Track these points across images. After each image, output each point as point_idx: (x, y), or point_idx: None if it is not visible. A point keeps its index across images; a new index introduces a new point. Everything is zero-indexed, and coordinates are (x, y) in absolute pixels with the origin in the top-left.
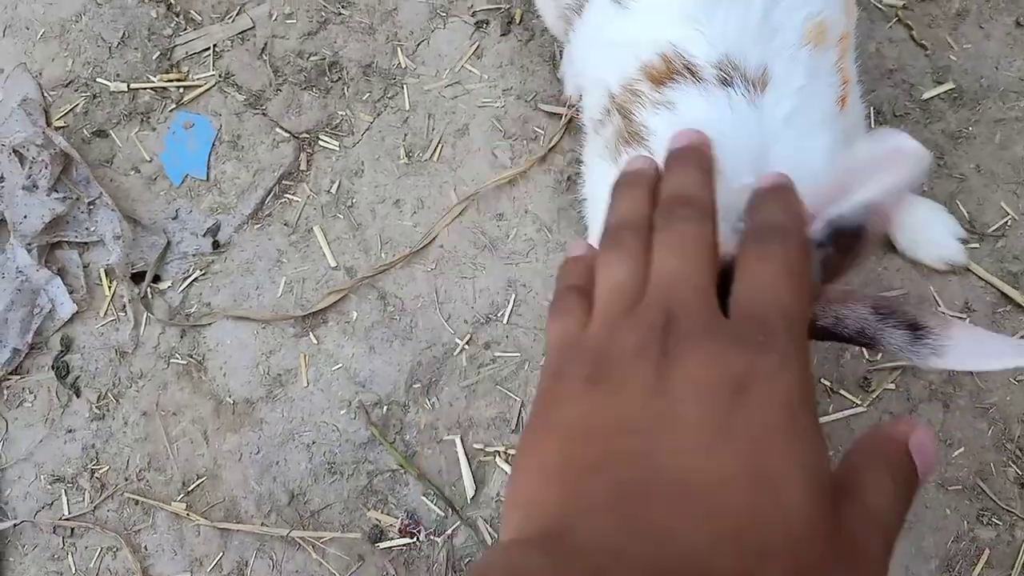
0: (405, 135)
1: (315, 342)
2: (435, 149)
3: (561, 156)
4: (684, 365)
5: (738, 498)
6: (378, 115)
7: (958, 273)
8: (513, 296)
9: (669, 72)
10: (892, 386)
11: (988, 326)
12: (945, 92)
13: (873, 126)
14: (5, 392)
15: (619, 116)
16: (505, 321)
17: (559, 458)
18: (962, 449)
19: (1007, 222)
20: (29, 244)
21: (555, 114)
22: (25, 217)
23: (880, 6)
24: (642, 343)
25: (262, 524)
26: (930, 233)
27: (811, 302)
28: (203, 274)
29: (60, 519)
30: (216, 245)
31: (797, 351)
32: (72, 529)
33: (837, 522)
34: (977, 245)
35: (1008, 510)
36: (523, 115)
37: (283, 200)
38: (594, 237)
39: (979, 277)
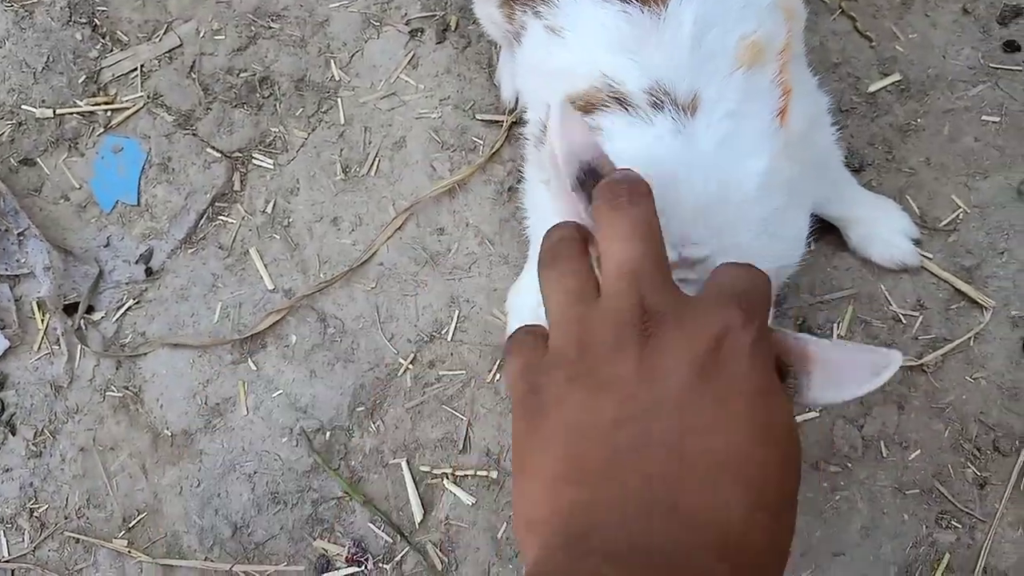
0: (341, 150)
1: (254, 368)
2: (372, 163)
3: (501, 166)
4: (666, 345)
5: (755, 465)
6: (312, 130)
7: (910, 272)
8: (457, 312)
9: (596, 102)
10: None
11: (942, 323)
12: (892, 84)
13: None
14: None
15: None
16: (449, 338)
17: (564, 465)
18: (919, 451)
19: (958, 215)
20: None
21: (494, 122)
22: None
23: None
24: (618, 332)
25: (205, 559)
26: (882, 231)
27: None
28: (137, 303)
29: (0, 561)
30: (149, 272)
31: (763, 319)
32: (12, 572)
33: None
34: (928, 236)
35: (968, 512)
36: (461, 125)
37: (217, 222)
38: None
39: (932, 274)
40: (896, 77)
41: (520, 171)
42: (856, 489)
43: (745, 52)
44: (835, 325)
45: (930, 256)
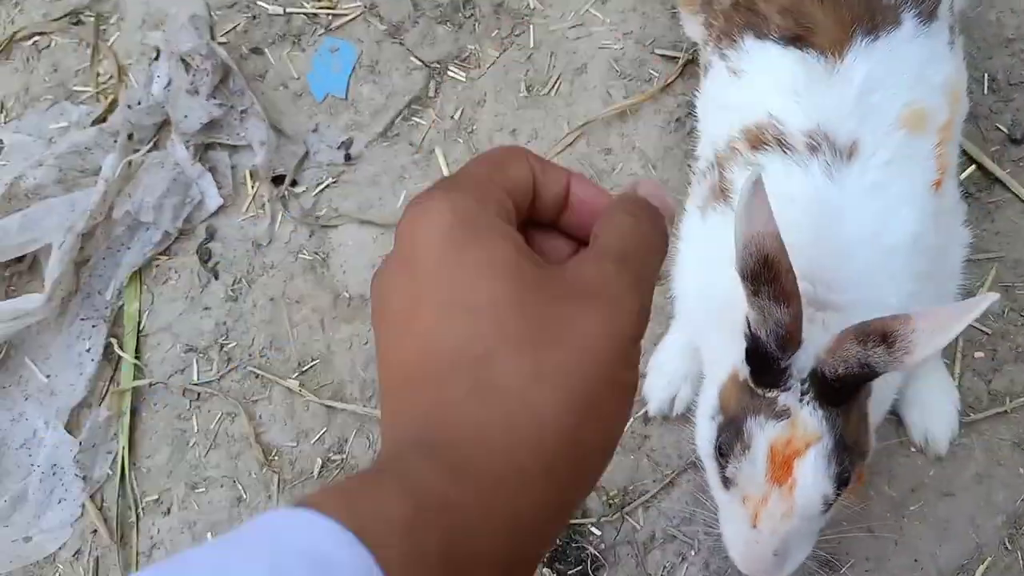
0: (527, 71)
1: None
2: (554, 85)
3: (673, 98)
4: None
5: (563, 373)
6: (504, 51)
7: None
8: None
9: (761, 139)
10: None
11: None
12: None
13: (986, 92)
14: (154, 270)
15: (717, 171)
16: None
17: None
18: None
19: None
20: (187, 141)
21: (671, 58)
22: (185, 117)
23: None
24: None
25: (364, 406)
26: (933, 405)
27: None
28: (334, 182)
29: (190, 384)
30: (348, 158)
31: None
32: (199, 394)
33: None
34: None
35: None
36: (640, 58)
37: (411, 123)
38: (677, 282)
39: None
40: None
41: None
42: (975, 438)
43: (909, 117)
44: (977, 286)
45: None
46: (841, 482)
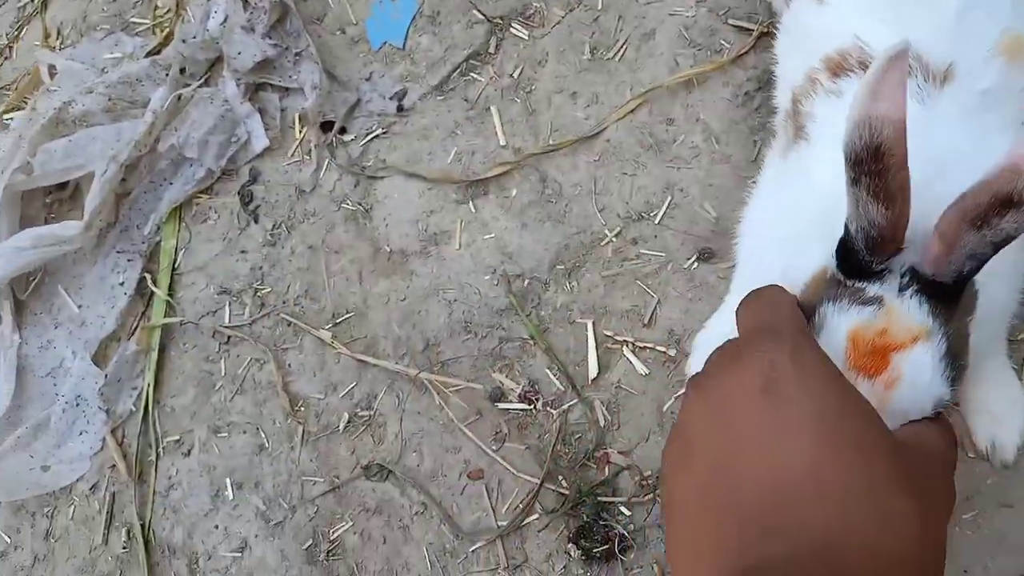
0: (592, 33)
1: (473, 210)
2: (619, 50)
3: (743, 71)
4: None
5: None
6: (571, 11)
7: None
8: (669, 199)
9: (845, 65)
10: None
11: None
12: None
13: None
14: (194, 208)
15: (791, 120)
16: (657, 221)
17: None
18: None
19: None
20: (238, 79)
21: (745, 29)
22: (239, 54)
23: None
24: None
25: (396, 363)
26: (1000, 409)
27: None
28: (384, 133)
29: (220, 326)
30: (400, 109)
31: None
32: (229, 337)
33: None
34: None
35: None
36: (712, 27)
37: (468, 78)
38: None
39: None
40: None
41: (760, 79)
42: None
43: (1008, 44)
44: None
45: None
46: (952, 383)
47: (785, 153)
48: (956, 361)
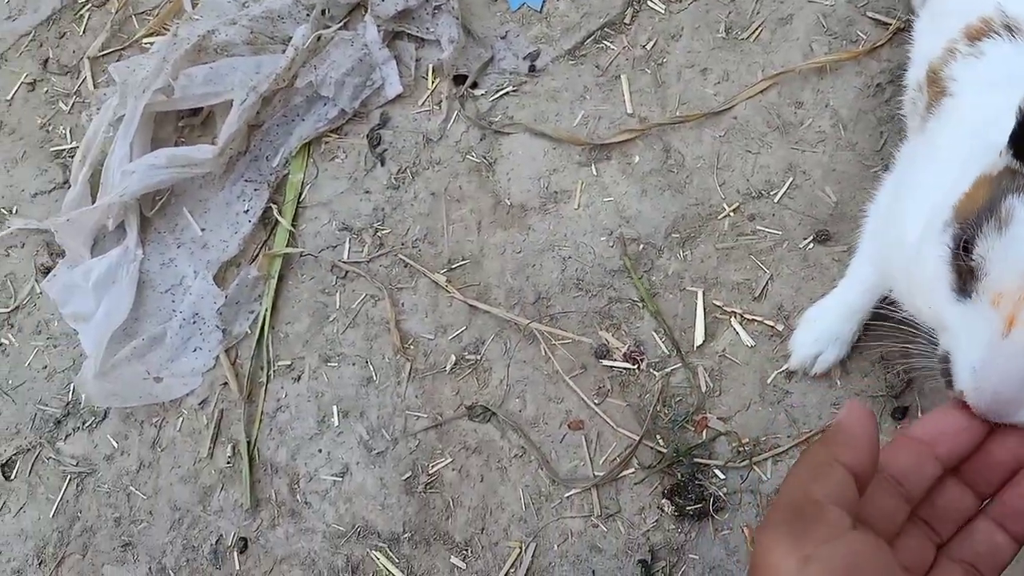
0: (729, 12)
1: (595, 173)
2: (755, 31)
3: (877, 63)
4: None
5: None
6: None
7: None
8: (791, 180)
9: (987, 29)
10: None
11: None
12: None
13: None
14: (323, 145)
15: (927, 87)
16: (776, 200)
17: None
18: None
19: None
20: (379, 25)
21: (882, 23)
22: (383, 1)
23: None
24: None
25: (507, 311)
26: None
27: None
28: (514, 90)
29: (339, 261)
30: (532, 69)
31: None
32: (346, 272)
33: None
34: None
35: None
36: (850, 17)
37: (601, 45)
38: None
39: None
40: None
41: (894, 72)
42: None
43: None
44: None
45: None
46: None
47: (923, 126)
48: None
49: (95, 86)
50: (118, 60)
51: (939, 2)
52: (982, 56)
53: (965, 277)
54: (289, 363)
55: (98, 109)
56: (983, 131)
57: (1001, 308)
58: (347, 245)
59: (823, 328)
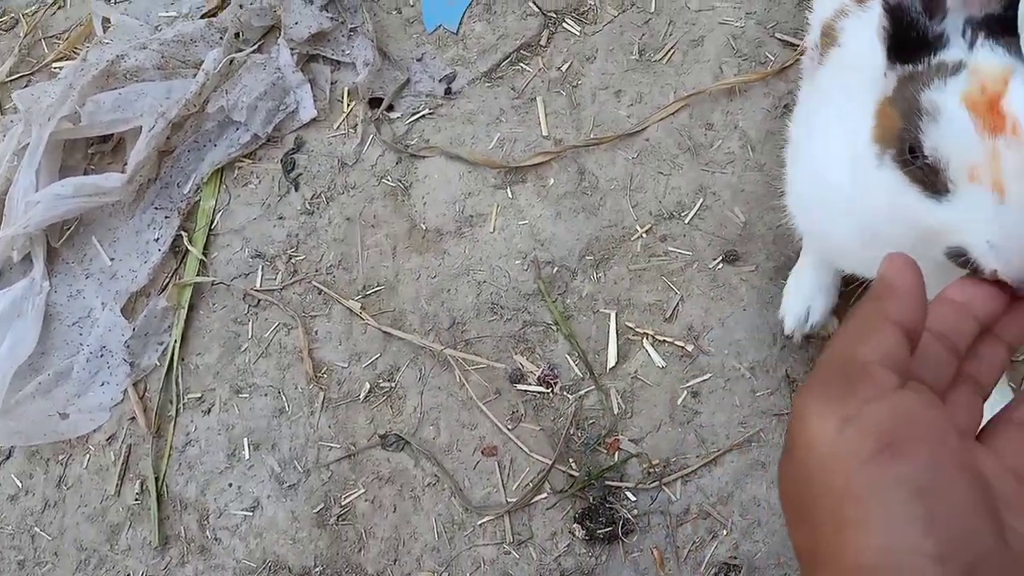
0: (643, 35)
1: (510, 196)
2: (667, 53)
3: (785, 84)
4: None
5: None
6: (624, 11)
7: None
8: (701, 201)
9: None
10: None
11: None
12: None
13: None
14: (236, 171)
15: (820, 46)
16: (687, 221)
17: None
18: None
19: None
20: (293, 48)
21: (790, 44)
22: (296, 23)
23: None
24: None
25: (422, 338)
26: None
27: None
28: (430, 113)
29: (252, 289)
30: (448, 92)
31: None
32: (259, 300)
33: None
34: None
35: None
36: (759, 39)
37: (517, 67)
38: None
39: None
40: None
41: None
42: None
43: None
44: None
45: None
46: None
47: (813, 75)
48: None
49: (2, 113)
50: (26, 86)
51: None
52: (868, 11)
53: (930, 178)
54: (199, 395)
55: (2, 138)
56: (869, 64)
57: (983, 179)
58: (260, 273)
59: (805, 283)
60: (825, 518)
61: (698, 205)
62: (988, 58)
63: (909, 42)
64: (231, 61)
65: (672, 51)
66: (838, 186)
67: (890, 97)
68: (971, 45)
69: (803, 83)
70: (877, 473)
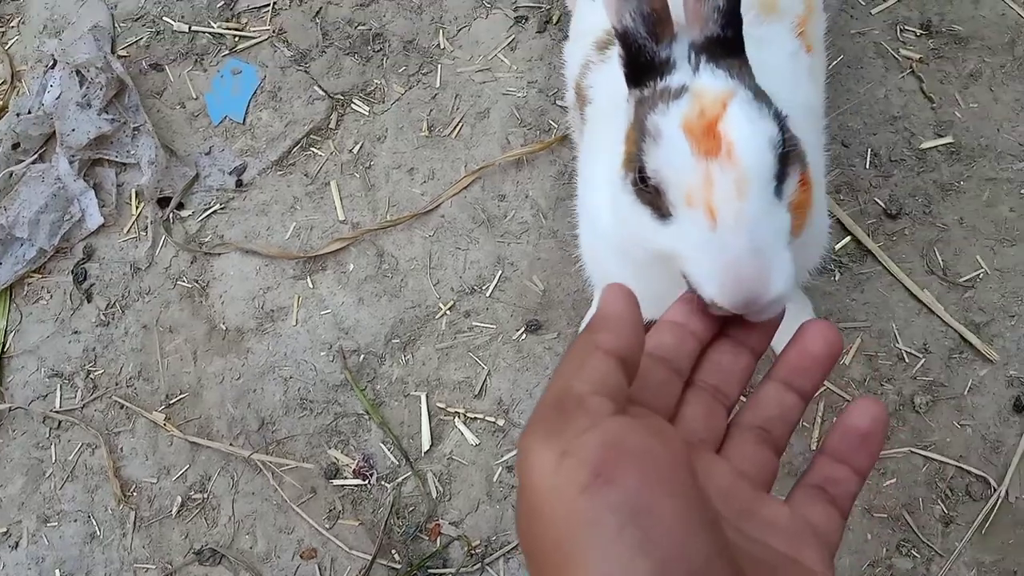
0: (431, 110)
1: (311, 286)
2: (456, 127)
3: (569, 150)
4: None
5: None
6: (410, 88)
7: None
8: (500, 272)
9: (610, 40)
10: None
11: (942, 369)
12: (943, 145)
13: (868, 167)
14: (25, 288)
15: (578, 103)
16: (488, 294)
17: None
18: (894, 480)
19: (979, 275)
20: (72, 156)
21: None
22: (73, 130)
23: (896, 56)
24: None
25: (230, 444)
26: None
27: None
28: (222, 208)
29: (51, 411)
30: (239, 184)
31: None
32: (60, 422)
33: None
34: (947, 288)
35: (928, 544)
36: (541, 107)
37: (308, 153)
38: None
39: (943, 321)
40: (949, 140)
41: None
42: None
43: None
44: (842, 354)
45: (944, 306)
46: (781, 128)
47: (581, 133)
48: (771, 105)
49: None
50: None
51: (575, 24)
52: (609, 60)
53: (656, 201)
54: (5, 530)
55: None
56: (617, 104)
57: (696, 204)
58: (58, 392)
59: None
60: (552, 555)
61: (497, 277)
62: (709, 81)
63: (640, 67)
64: (10, 175)
65: (460, 125)
66: (607, 227)
67: (631, 122)
68: (695, 69)
69: (577, 142)
70: (592, 503)
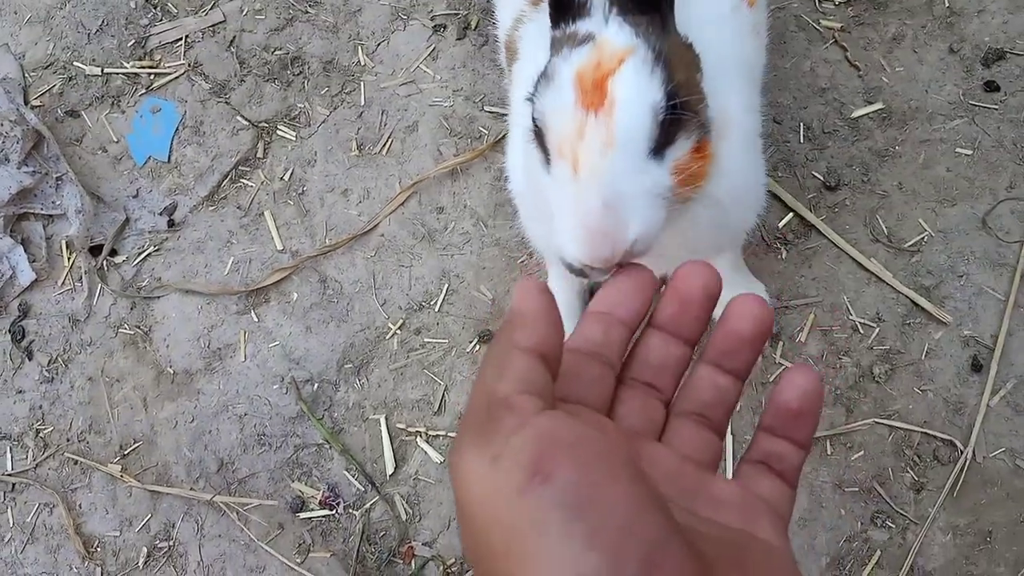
0: (358, 129)
1: (256, 320)
2: (385, 143)
3: (502, 155)
4: None
5: None
6: (335, 109)
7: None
8: (446, 286)
9: None
10: None
11: (897, 336)
12: (874, 112)
13: (802, 141)
14: None
15: (508, 60)
16: (437, 309)
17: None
18: (861, 453)
19: (924, 238)
20: None
21: (501, 115)
22: None
23: (818, 27)
24: None
25: (191, 489)
26: None
27: None
28: (156, 250)
29: (3, 474)
30: (171, 223)
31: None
32: (13, 485)
33: None
34: (893, 255)
35: (902, 513)
36: (470, 115)
37: (238, 185)
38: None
39: (893, 289)
40: (879, 106)
41: None
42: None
43: None
44: (797, 331)
45: (893, 273)
46: (671, 96)
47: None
48: (672, 73)
49: None
50: None
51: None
52: (542, 10)
53: (543, 146)
54: None
55: None
56: (542, 51)
57: (565, 154)
58: (9, 455)
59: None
60: (502, 564)
61: (444, 291)
62: (615, 35)
63: (562, 5)
64: None
65: (390, 141)
66: (519, 184)
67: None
68: (605, 20)
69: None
70: (533, 504)
